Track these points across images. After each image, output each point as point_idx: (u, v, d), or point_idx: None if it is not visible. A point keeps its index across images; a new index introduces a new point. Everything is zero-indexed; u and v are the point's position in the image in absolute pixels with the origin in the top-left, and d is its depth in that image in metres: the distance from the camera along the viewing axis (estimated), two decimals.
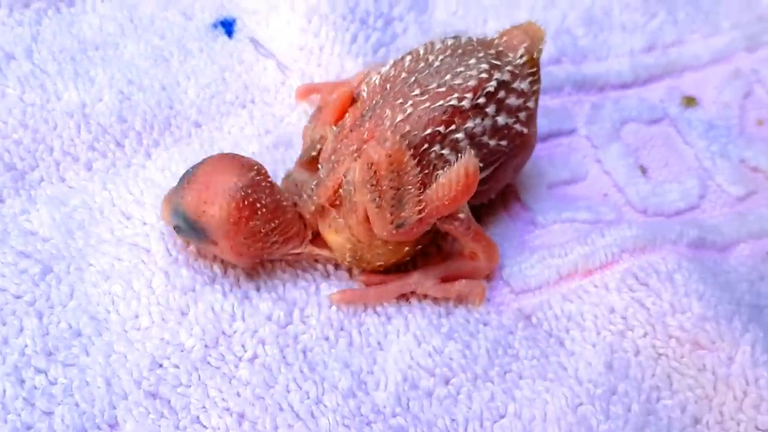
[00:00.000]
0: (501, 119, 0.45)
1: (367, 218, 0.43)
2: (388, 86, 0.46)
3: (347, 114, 0.47)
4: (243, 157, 0.45)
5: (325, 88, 0.52)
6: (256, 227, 0.43)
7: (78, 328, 0.44)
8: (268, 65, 0.57)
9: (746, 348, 0.46)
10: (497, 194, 0.51)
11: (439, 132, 0.44)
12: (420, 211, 0.42)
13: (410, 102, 0.44)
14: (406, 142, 0.43)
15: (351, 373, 0.44)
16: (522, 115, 0.47)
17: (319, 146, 0.48)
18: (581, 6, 0.64)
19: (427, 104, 0.44)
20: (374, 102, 0.45)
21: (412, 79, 0.45)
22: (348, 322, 0.46)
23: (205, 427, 0.42)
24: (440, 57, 0.46)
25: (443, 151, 0.44)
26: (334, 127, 0.47)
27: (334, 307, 0.47)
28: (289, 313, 0.46)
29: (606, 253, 0.50)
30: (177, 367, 0.43)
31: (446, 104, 0.44)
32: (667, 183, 0.56)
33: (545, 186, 0.55)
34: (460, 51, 0.46)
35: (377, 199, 0.42)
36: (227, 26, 0.59)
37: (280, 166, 0.51)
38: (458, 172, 0.42)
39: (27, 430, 0.40)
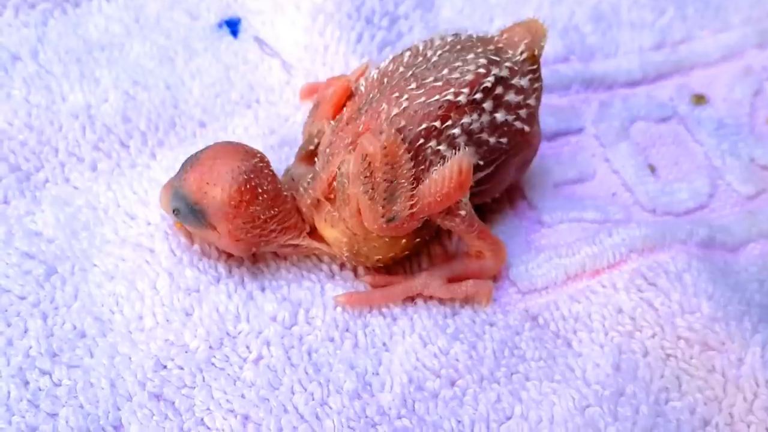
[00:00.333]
0: (500, 116, 0.45)
1: (359, 211, 0.43)
2: (385, 80, 0.45)
3: (345, 108, 0.47)
4: (246, 145, 0.45)
5: (323, 84, 0.52)
6: (256, 213, 0.44)
7: (82, 330, 0.44)
8: (273, 65, 0.57)
9: (756, 349, 0.45)
10: (503, 193, 0.51)
11: (435, 127, 0.43)
12: (412, 206, 0.42)
13: (406, 96, 0.43)
14: (402, 136, 0.42)
15: (356, 374, 0.44)
16: (522, 112, 0.46)
17: (316, 140, 0.48)
18: (589, 3, 0.63)
19: (423, 99, 0.43)
20: (371, 96, 0.45)
21: (409, 73, 0.45)
22: (353, 323, 0.46)
23: (209, 428, 0.42)
24: (438, 52, 0.46)
25: (440, 147, 0.43)
26: (332, 122, 0.47)
27: (339, 308, 0.46)
28: (294, 314, 0.46)
29: (614, 252, 0.49)
30: (181, 368, 0.43)
31: (442, 99, 0.43)
32: (677, 182, 0.56)
33: (552, 185, 0.55)
34: (458, 47, 0.46)
35: (370, 191, 0.42)
36: (232, 26, 0.59)
37: (284, 165, 0.51)
38: (452, 169, 0.42)
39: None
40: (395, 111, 0.43)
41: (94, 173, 0.50)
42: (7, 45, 0.54)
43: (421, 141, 0.43)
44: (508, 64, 0.46)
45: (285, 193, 0.45)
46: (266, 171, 0.44)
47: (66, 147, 0.50)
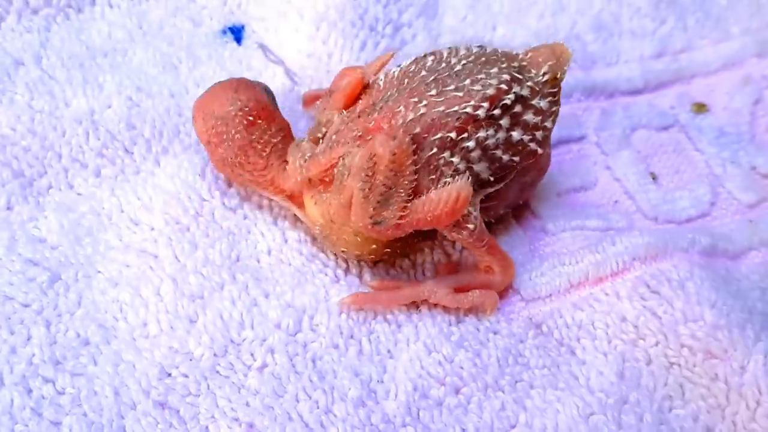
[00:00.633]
0: (516, 134, 0.45)
1: (350, 203, 0.43)
2: (405, 81, 0.45)
3: (360, 99, 0.47)
4: (244, 89, 0.48)
5: (327, 89, 0.52)
6: (224, 154, 0.47)
7: (86, 337, 0.44)
8: (276, 72, 0.57)
9: (759, 357, 0.46)
10: None
11: (451, 138, 0.43)
12: (401, 217, 0.43)
13: (425, 102, 0.44)
14: (414, 146, 0.42)
15: (361, 381, 0.44)
16: (539, 134, 0.46)
17: (324, 129, 0.48)
18: (591, 12, 0.64)
19: (442, 108, 0.43)
20: (388, 93, 0.45)
21: (431, 78, 0.45)
22: (358, 329, 0.46)
23: None
24: (463, 62, 0.46)
25: (453, 159, 0.43)
26: (344, 112, 0.47)
27: (343, 315, 0.46)
28: (298, 321, 0.46)
29: (617, 261, 0.49)
30: (186, 376, 0.43)
31: (461, 111, 0.43)
32: (678, 190, 0.56)
33: (555, 193, 0.55)
34: (483, 59, 0.46)
35: (366, 189, 0.42)
36: (236, 33, 0.59)
37: None
38: (449, 194, 0.42)
39: None
40: (411, 116, 0.43)
41: (97, 179, 0.50)
42: (10, 50, 0.54)
43: (435, 150, 0.43)
44: (530, 83, 0.46)
45: (261, 151, 0.47)
46: (242, 121, 0.46)
47: (69, 153, 0.50)
